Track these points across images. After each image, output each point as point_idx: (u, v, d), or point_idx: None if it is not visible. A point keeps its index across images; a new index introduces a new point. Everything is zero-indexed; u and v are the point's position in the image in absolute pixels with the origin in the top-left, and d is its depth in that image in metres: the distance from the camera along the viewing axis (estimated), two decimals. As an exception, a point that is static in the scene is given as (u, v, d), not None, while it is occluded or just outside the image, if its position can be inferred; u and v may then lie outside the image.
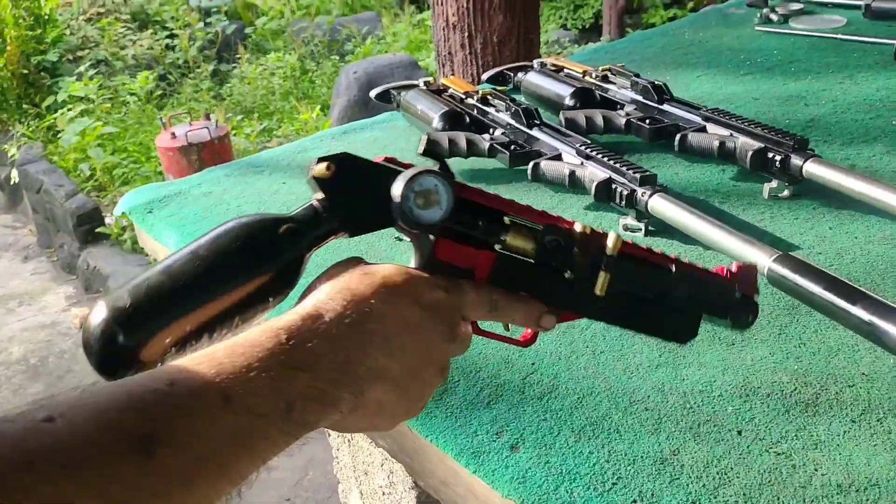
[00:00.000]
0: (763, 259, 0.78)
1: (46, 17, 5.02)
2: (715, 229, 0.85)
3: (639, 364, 0.77)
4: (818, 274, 0.72)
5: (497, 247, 0.53)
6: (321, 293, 0.48)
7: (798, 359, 0.75)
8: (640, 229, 0.97)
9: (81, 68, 4.67)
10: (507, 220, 0.53)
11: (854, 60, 1.51)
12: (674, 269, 0.56)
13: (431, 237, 0.53)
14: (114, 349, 0.46)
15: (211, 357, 0.42)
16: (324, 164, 0.51)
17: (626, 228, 0.98)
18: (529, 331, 0.58)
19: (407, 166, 0.53)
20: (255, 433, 0.41)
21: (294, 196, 1.18)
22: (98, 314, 0.47)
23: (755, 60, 1.57)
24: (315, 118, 4.24)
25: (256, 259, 0.49)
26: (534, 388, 0.75)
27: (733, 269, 0.58)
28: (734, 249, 0.83)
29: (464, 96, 1.35)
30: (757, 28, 1.77)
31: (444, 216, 0.51)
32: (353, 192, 0.52)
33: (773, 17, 1.81)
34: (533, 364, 0.78)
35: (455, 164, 1.19)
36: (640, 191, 0.95)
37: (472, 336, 0.54)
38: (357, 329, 0.46)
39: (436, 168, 0.52)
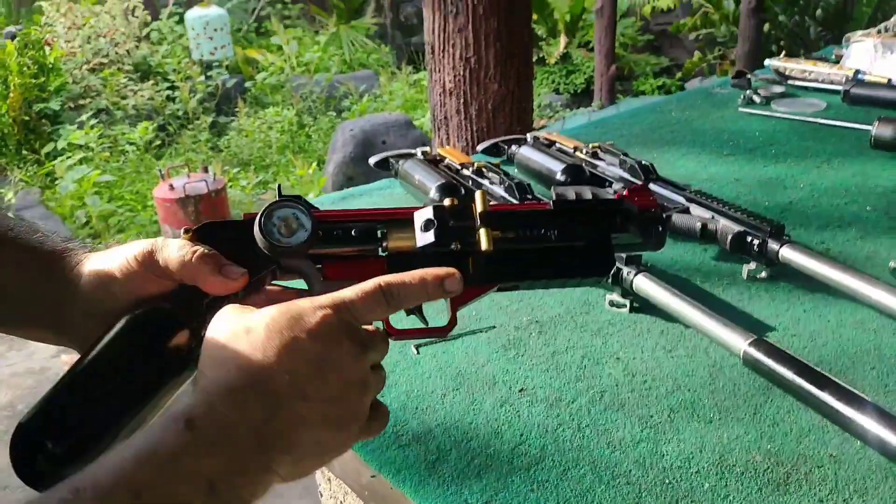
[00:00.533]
0: (739, 343, 0.83)
1: (51, 66, 5.13)
2: (695, 311, 0.91)
3: (621, 439, 0.81)
4: (789, 359, 0.77)
5: (380, 252, 0.57)
6: (212, 366, 0.47)
7: (771, 438, 0.79)
8: (625, 306, 1.02)
9: (83, 117, 4.76)
10: (378, 226, 0.57)
11: (832, 145, 1.59)
12: (551, 205, 0.59)
13: (317, 266, 0.57)
14: (31, 464, 0.50)
15: (116, 460, 0.42)
16: (182, 233, 0.56)
17: (611, 304, 1.03)
18: (449, 315, 0.57)
19: None
20: None
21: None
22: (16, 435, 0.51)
23: (738, 141, 1.65)
24: (311, 173, 4.32)
25: (151, 357, 0.54)
26: (522, 458, 0.79)
27: (624, 192, 0.61)
28: (712, 331, 0.88)
29: (459, 167, 1.42)
30: (740, 109, 1.86)
31: (310, 235, 0.55)
32: (225, 251, 0.56)
33: (756, 98, 1.89)
34: (521, 436, 0.82)
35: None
36: (625, 270, 1.00)
37: (385, 336, 0.53)
38: (260, 390, 0.46)
39: (288, 201, 0.56)
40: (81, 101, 5.21)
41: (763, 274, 1.08)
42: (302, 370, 0.46)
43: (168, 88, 5.61)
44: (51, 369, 3.09)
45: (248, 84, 5.98)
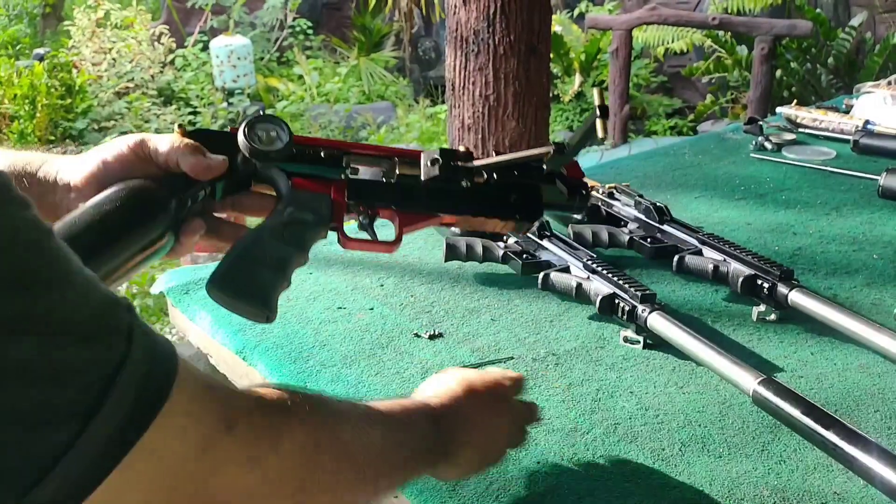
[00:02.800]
0: (749, 381, 0.87)
1: (78, 89, 5.25)
2: (706, 349, 0.95)
3: (634, 470, 0.84)
4: (797, 399, 0.81)
5: (343, 176, 0.70)
6: (429, 391, 0.74)
7: (778, 475, 0.83)
8: (639, 342, 1.06)
9: (107, 139, 4.86)
10: (346, 157, 0.70)
11: (840, 193, 1.64)
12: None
13: (286, 176, 0.67)
14: None
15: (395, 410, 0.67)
16: (176, 127, 0.66)
17: (626, 340, 1.07)
18: (396, 233, 0.76)
19: None
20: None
21: (319, 286, 1.27)
22: None
23: (749, 186, 1.70)
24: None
25: (144, 212, 0.61)
26: (539, 484, 0.83)
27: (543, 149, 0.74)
28: (722, 369, 0.92)
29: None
30: (752, 155, 1.91)
31: (286, 146, 0.64)
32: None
33: (768, 145, 1.95)
34: (538, 463, 0.86)
35: (469, 267, 1.30)
36: (640, 307, 1.05)
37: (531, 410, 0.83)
38: (452, 413, 0.70)
39: (270, 116, 0.66)
40: (105, 124, 5.33)
41: (772, 316, 1.12)
42: (473, 412, 0.74)
43: (190, 113, 5.73)
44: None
45: (268, 112, 6.10)
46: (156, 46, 6.25)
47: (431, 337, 1.10)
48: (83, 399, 0.39)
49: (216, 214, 0.71)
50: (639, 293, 1.06)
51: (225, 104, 5.87)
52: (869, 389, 0.96)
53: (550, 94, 5.20)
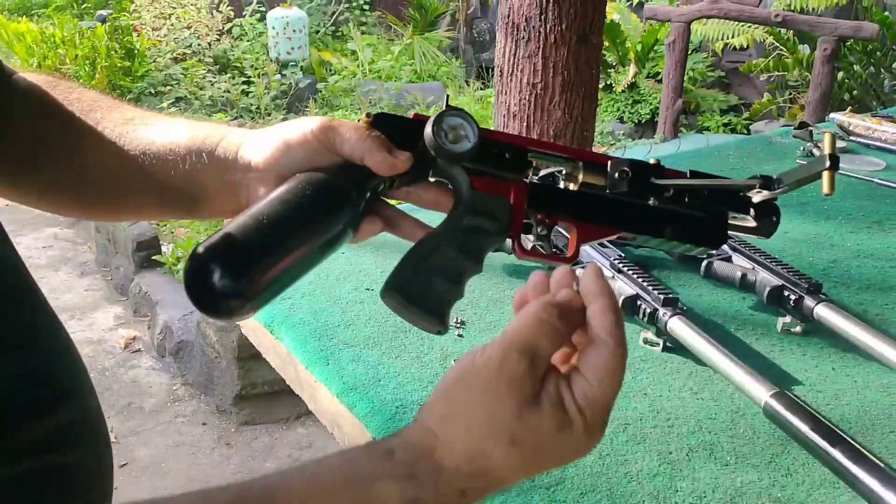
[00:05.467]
0: (762, 393, 0.87)
1: (137, 53, 5.37)
2: (723, 357, 0.95)
3: (639, 470, 0.86)
4: (807, 414, 0.81)
5: (526, 179, 0.63)
6: (434, 418, 0.49)
7: (783, 487, 0.83)
8: (659, 344, 1.07)
9: (163, 104, 4.97)
10: (530, 155, 0.63)
11: (885, 206, 1.60)
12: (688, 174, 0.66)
13: (467, 175, 0.62)
14: (211, 286, 0.52)
15: (329, 498, 0.46)
16: (364, 117, 0.62)
17: (645, 342, 1.08)
18: (571, 247, 0.64)
19: None
20: None
21: (351, 266, 1.30)
22: (194, 256, 0.53)
23: (791, 193, 1.66)
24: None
25: (331, 206, 0.59)
26: (543, 478, 0.85)
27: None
28: (737, 378, 0.92)
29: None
30: (798, 161, 1.87)
31: (473, 147, 0.60)
32: (391, 141, 0.61)
33: (816, 151, 1.91)
34: (545, 456, 0.88)
35: (498, 258, 1.31)
36: (661, 311, 1.05)
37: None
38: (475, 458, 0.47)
39: (459, 111, 0.61)
40: (162, 88, 5.45)
41: (797, 328, 1.11)
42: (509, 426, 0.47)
43: (244, 83, 5.82)
44: (108, 341, 3.25)
45: (320, 85, 6.15)
46: (214, 14, 6.35)
47: (454, 325, 1.12)
48: None
49: (388, 201, 0.67)
50: (661, 296, 1.06)
51: (278, 76, 5.95)
52: (886, 410, 0.96)
53: (602, 84, 5.14)
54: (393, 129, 0.62)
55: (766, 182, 0.63)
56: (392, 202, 0.67)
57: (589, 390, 0.47)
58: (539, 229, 0.64)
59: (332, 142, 0.60)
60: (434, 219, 0.64)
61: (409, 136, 0.62)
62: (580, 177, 0.64)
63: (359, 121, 0.63)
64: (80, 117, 0.65)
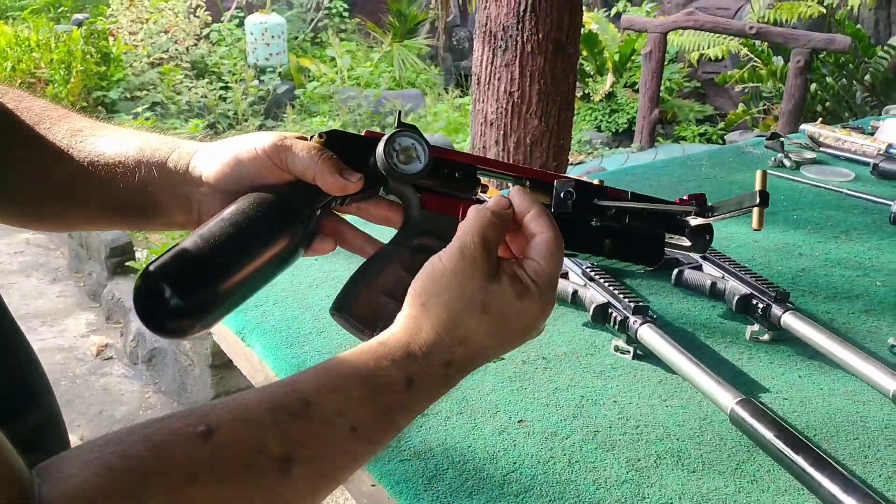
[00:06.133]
0: (728, 400, 0.88)
1: (113, 57, 5.32)
2: (691, 365, 0.96)
3: (607, 478, 0.86)
4: (771, 421, 0.82)
5: (475, 197, 0.64)
6: (413, 313, 0.56)
7: (748, 494, 0.84)
8: (629, 352, 1.08)
9: (139, 108, 4.93)
10: (479, 173, 0.64)
11: (853, 217, 1.63)
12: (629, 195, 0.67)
13: (417, 194, 0.63)
14: (161, 305, 0.52)
15: (342, 385, 0.51)
16: (317, 136, 0.63)
17: (616, 349, 1.09)
18: None
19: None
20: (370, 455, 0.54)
21: (323, 273, 1.30)
22: (145, 275, 0.53)
23: (762, 203, 1.69)
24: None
25: (282, 225, 0.59)
26: (512, 485, 0.85)
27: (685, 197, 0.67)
28: (704, 386, 0.93)
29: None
30: (769, 171, 1.90)
31: (424, 168, 0.61)
32: (343, 159, 0.62)
33: (787, 162, 1.94)
34: (515, 464, 0.88)
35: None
36: (632, 319, 1.06)
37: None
38: (452, 323, 0.54)
39: (410, 131, 0.62)
40: (138, 93, 5.40)
41: (765, 337, 1.13)
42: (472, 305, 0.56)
43: (222, 88, 5.78)
44: (79, 348, 3.21)
45: (298, 92, 6.13)
46: (191, 19, 6.31)
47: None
48: None
49: (340, 215, 0.68)
50: (632, 304, 1.07)
51: (256, 81, 5.92)
52: (851, 417, 0.97)
53: (579, 93, 5.18)
54: (346, 147, 0.63)
55: (702, 209, 0.65)
56: (343, 216, 0.68)
57: (538, 267, 0.57)
58: None
59: (283, 160, 0.61)
60: (385, 233, 0.65)
61: (361, 154, 0.62)
62: None
63: (311, 139, 0.63)
64: (30, 126, 0.64)
